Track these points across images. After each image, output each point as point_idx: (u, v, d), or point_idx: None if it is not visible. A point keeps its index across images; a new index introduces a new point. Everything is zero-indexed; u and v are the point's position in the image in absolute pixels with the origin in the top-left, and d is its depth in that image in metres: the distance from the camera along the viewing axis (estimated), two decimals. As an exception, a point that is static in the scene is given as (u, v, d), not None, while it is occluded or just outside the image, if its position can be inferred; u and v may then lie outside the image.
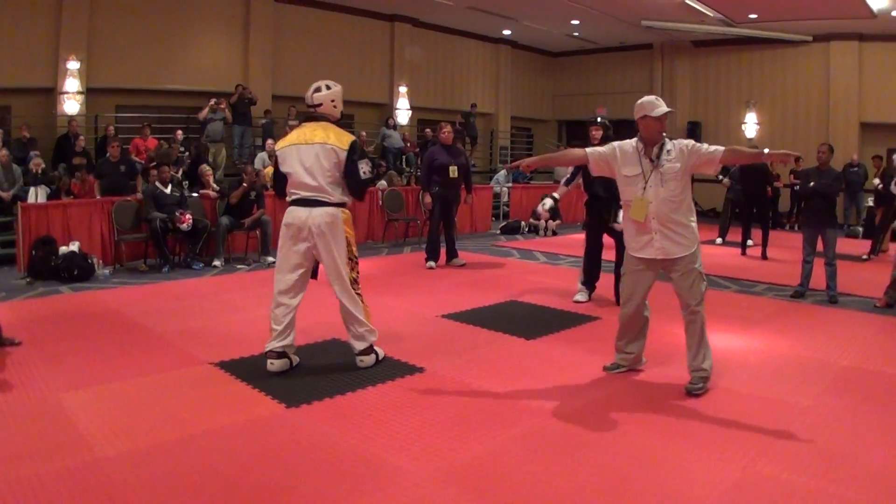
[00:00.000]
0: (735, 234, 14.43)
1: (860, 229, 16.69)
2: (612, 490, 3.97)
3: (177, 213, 10.62)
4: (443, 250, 11.49)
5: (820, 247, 9.41)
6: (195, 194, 12.08)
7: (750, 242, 13.86)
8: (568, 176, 9.04)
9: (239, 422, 4.82)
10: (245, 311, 8.08)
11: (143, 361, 6.11)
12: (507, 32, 23.26)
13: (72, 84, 14.78)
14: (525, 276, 10.88)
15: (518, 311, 8.36)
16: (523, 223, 16.80)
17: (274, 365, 5.80)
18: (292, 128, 15.91)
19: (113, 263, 10.75)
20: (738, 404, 5.40)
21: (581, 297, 8.84)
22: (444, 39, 22.42)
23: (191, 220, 10.68)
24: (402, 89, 20.81)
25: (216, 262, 11.14)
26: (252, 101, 16.33)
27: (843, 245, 10.15)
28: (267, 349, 5.84)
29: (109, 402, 5.15)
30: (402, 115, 20.75)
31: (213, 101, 15.33)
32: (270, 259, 11.39)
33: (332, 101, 6.08)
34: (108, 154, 12.36)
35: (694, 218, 5.59)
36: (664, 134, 5.55)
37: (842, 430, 4.92)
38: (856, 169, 17.24)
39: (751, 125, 21.73)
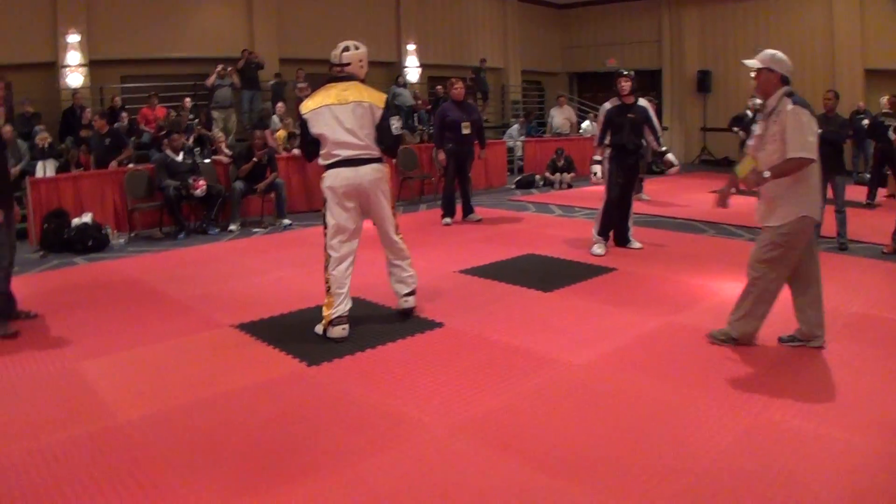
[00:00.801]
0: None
1: (867, 175, 16.54)
2: (626, 438, 4.01)
3: (190, 180, 10.63)
4: (458, 206, 11.48)
5: (829, 194, 9.35)
6: (207, 160, 12.08)
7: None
8: (600, 135, 8.84)
9: (261, 381, 4.88)
10: (263, 273, 8.13)
11: (163, 327, 6.17)
12: (513, -14, 23.06)
13: (73, 57, 14.68)
14: (541, 229, 10.87)
15: (535, 264, 8.37)
16: (538, 177, 16.74)
17: (345, 329, 5.76)
18: (301, 90, 15.96)
19: (128, 232, 10.78)
20: (749, 352, 5.42)
21: (600, 249, 8.74)
22: (452, -5, 22.25)
23: (205, 186, 10.69)
24: (411, 47, 20.65)
25: (232, 227, 11.18)
26: (259, 66, 16.23)
27: (852, 192, 10.08)
28: (334, 315, 5.74)
29: (130, 368, 5.22)
30: (412, 73, 20.60)
31: (220, 68, 15.25)
32: (286, 221, 11.44)
33: (360, 60, 6.06)
34: (94, 127, 12.20)
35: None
36: (777, 94, 5.23)
37: (850, 377, 4.92)
38: (862, 116, 17.05)
39: (759, 73, 21.49)
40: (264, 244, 10.13)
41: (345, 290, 5.79)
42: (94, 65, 15.05)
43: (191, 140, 12.69)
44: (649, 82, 22.80)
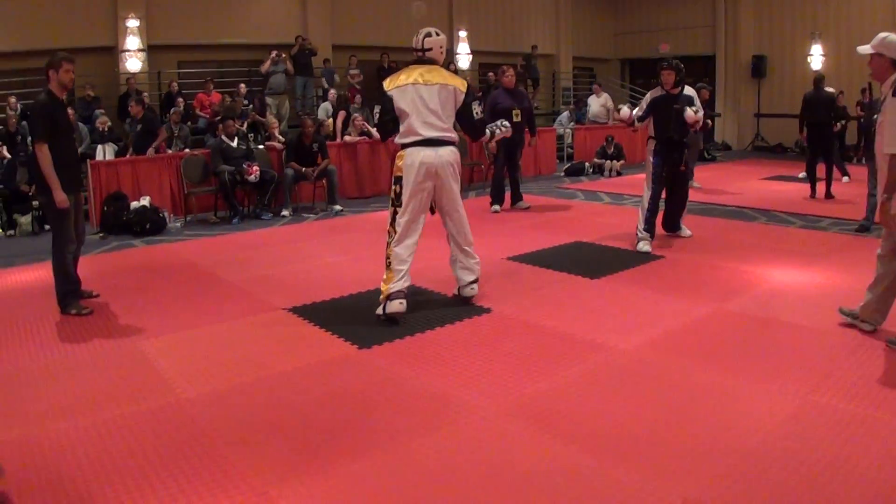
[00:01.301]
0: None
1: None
2: (672, 421, 4.08)
3: (244, 166, 10.82)
4: (507, 194, 11.56)
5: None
6: (261, 146, 12.27)
7: (846, 179, 13.68)
8: (641, 113, 8.62)
9: (313, 362, 5.02)
10: (315, 258, 8.29)
11: (219, 309, 6.35)
12: (566, -28, 22.98)
13: (132, 42, 15.00)
14: (590, 217, 10.91)
15: (582, 252, 8.44)
16: (587, 164, 16.72)
17: (402, 304, 5.87)
18: (353, 77, 16.11)
19: (184, 216, 11.02)
20: (798, 336, 5.47)
21: (646, 246, 8.37)
22: (503, -19, 22.23)
23: (258, 172, 10.87)
24: (462, 34, 20.69)
25: (284, 213, 11.35)
26: (312, 52, 16.38)
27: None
28: (392, 290, 5.85)
29: (188, 347, 5.40)
30: (463, 59, 20.63)
31: (274, 54, 15.42)
32: (337, 208, 11.60)
33: (441, 46, 6.24)
34: (130, 114, 12.28)
35: None
36: (890, 80, 5.03)
37: (897, 361, 4.94)
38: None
39: (816, 57, 21.19)
40: (316, 230, 10.30)
41: (405, 267, 5.91)
42: (152, 49, 15.38)
43: (244, 126, 12.88)
44: (703, 68, 22.63)
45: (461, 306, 6.28)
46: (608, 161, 16.44)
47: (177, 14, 15.69)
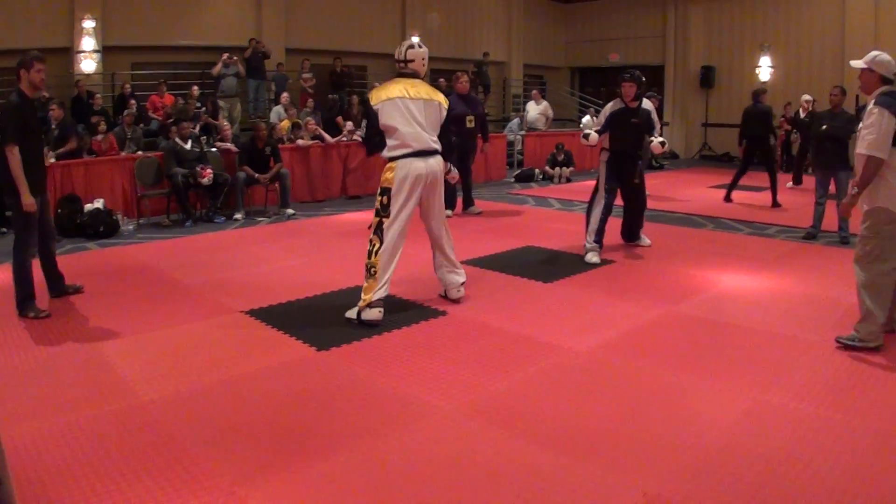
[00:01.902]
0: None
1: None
2: (628, 419, 4.21)
3: (197, 168, 10.78)
4: (459, 199, 11.65)
5: (833, 189, 9.55)
6: (214, 149, 12.23)
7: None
8: (599, 128, 8.51)
9: (273, 365, 5.06)
10: (270, 261, 8.30)
11: (176, 311, 6.35)
12: (518, -20, 23.15)
13: (88, 43, 14.81)
14: (541, 222, 11.05)
15: (535, 256, 8.55)
16: (537, 171, 16.87)
17: (381, 312, 5.92)
18: (306, 81, 16.10)
19: (137, 219, 10.94)
20: (749, 339, 5.64)
21: (595, 258, 8.20)
22: (456, -12, 22.35)
23: (212, 175, 10.83)
24: (415, 39, 20.70)
25: (237, 216, 11.33)
26: (266, 55, 16.33)
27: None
28: (374, 299, 5.90)
29: (148, 350, 5.39)
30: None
31: (225, 56, 15.34)
32: (290, 211, 11.60)
33: (423, 59, 6.34)
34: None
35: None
36: (874, 94, 5.50)
37: (848, 363, 5.15)
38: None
39: (765, 69, 21.58)
40: (269, 233, 10.29)
41: (388, 276, 5.97)
42: (106, 51, 15.20)
43: (197, 128, 12.81)
44: (652, 78, 22.96)
45: (415, 309, 6.35)
46: (558, 168, 16.62)
47: (132, 15, 15.52)
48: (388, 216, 5.99)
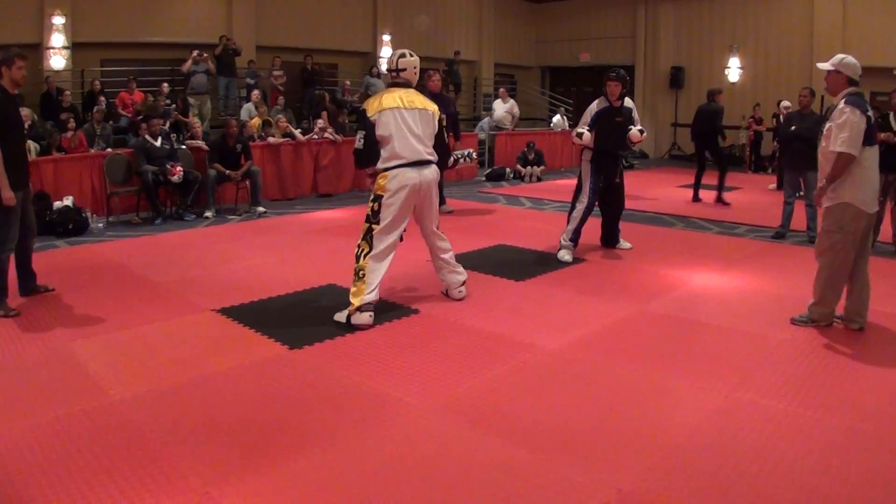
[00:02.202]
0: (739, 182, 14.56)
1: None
2: (602, 417, 4.24)
3: (168, 166, 10.70)
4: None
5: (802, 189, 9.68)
6: (184, 146, 12.14)
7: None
8: (586, 126, 8.34)
9: (245, 363, 5.03)
10: (240, 259, 8.26)
11: (147, 310, 6.29)
12: (490, -21, 23.19)
13: (57, 39, 14.67)
14: (512, 221, 11.08)
15: (506, 255, 8.57)
16: (508, 170, 16.91)
17: (371, 317, 5.88)
18: (276, 78, 16.04)
19: (106, 217, 10.85)
20: (720, 338, 5.72)
21: (568, 256, 8.28)
22: (428, -14, 22.36)
23: (182, 172, 10.76)
24: (386, 37, 20.71)
25: (207, 214, 11.26)
26: (236, 52, 16.23)
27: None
28: (364, 302, 5.86)
29: (119, 348, 5.35)
30: (386, 63, 20.65)
31: (195, 53, 15.24)
32: (261, 209, 11.54)
33: (415, 68, 6.32)
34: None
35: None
36: (841, 94, 5.79)
37: (817, 361, 5.23)
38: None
39: (734, 69, 21.79)
40: (240, 231, 10.24)
41: (378, 280, 5.94)
42: (76, 47, 15.06)
43: (167, 125, 12.72)
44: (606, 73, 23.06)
45: (389, 307, 6.34)
46: (529, 167, 16.67)
47: (102, 11, 15.37)
48: (377, 223, 5.98)
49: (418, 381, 4.72)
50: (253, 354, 5.22)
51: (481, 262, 8.10)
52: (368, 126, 6.00)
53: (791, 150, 9.73)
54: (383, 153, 6.01)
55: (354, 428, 4.03)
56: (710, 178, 13.48)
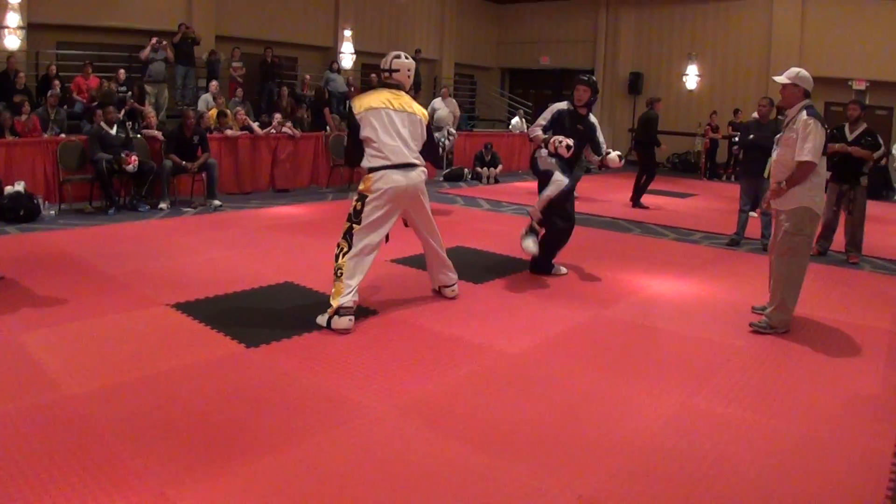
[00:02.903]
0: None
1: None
2: (561, 421, 4.24)
3: (123, 155, 10.54)
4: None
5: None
6: (139, 135, 11.96)
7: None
8: (545, 123, 7.70)
9: (201, 361, 4.96)
10: (196, 253, 8.15)
11: (101, 302, 6.18)
12: (453, -22, 23.17)
13: (12, 18, 14.30)
14: (470, 222, 11.06)
15: (465, 257, 8.52)
16: (466, 170, 16.90)
17: (352, 321, 5.76)
18: (236, 70, 15.87)
19: (58, 204, 10.66)
20: (677, 344, 5.77)
21: (534, 247, 7.59)
22: (391, -17, 22.26)
23: (137, 162, 10.59)
24: (347, 33, 20.61)
25: (162, 205, 11.10)
26: (195, 41, 16.01)
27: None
28: (343, 305, 5.71)
29: (72, 341, 5.24)
30: (347, 59, 20.54)
31: (154, 40, 15.00)
32: (217, 202, 11.42)
33: (409, 70, 6.27)
34: None
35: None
36: (798, 105, 6.04)
37: (772, 368, 5.33)
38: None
39: (692, 77, 22.04)
40: (195, 224, 10.12)
41: (355, 282, 5.82)
42: (32, 28, 14.73)
43: (121, 113, 12.53)
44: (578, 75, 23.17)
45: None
46: (486, 168, 16.68)
47: (61, -8, 15.13)
48: (358, 223, 5.86)
49: (377, 383, 4.68)
50: (210, 352, 5.14)
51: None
52: (353, 125, 5.96)
53: (748, 159, 9.84)
54: (369, 153, 5.92)
55: (312, 430, 3.98)
56: (656, 184, 13.65)
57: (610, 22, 23.80)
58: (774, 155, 6.22)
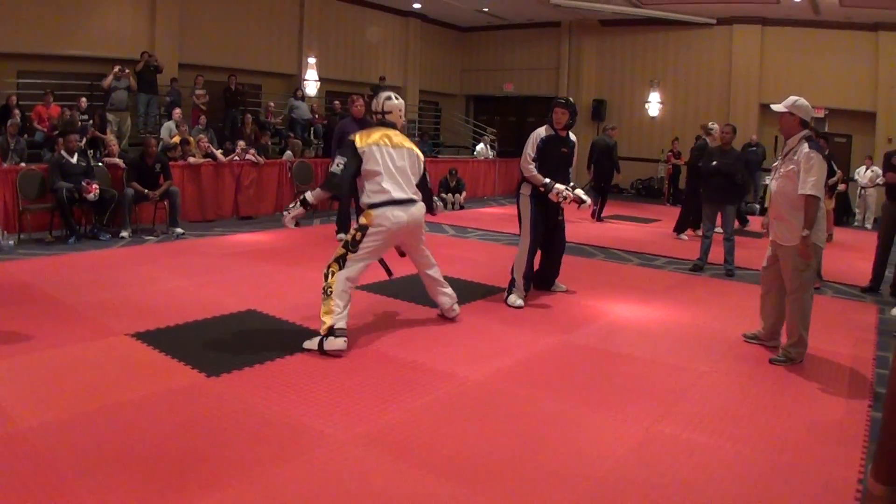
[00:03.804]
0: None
1: (757, 206, 17.32)
2: (524, 449, 4.21)
3: (83, 183, 10.44)
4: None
5: (719, 222, 9.87)
6: (101, 163, 11.86)
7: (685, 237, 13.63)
8: (534, 155, 7.65)
9: (160, 391, 4.88)
10: (157, 282, 8.05)
11: (58, 333, 6.07)
12: (417, 6, 23.16)
13: (-31, 48, 14.29)
14: (435, 248, 10.83)
15: (430, 283, 8.50)
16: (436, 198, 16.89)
17: (346, 342, 5.77)
18: (199, 97, 15.81)
19: (17, 234, 10.52)
20: (641, 370, 5.77)
21: (519, 300, 7.65)
22: (354, 11, 22.20)
23: (98, 190, 10.50)
24: (311, 60, 20.58)
25: (123, 234, 10.99)
26: (158, 69, 15.96)
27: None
28: (336, 326, 5.75)
29: (27, 373, 5.14)
30: (311, 86, 20.50)
31: (116, 69, 14.94)
32: (179, 230, 11.33)
33: (400, 110, 6.45)
34: None
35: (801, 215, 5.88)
36: (797, 136, 6.03)
37: (737, 393, 5.33)
38: (754, 148, 17.71)
39: (654, 104, 22.26)
40: (157, 252, 10.02)
41: (345, 301, 5.87)
42: (-9, 57, 14.63)
43: (83, 142, 12.42)
44: (545, 108, 23.32)
45: (310, 336, 6.15)
46: (451, 194, 16.71)
47: (20, 21, 14.88)
48: (354, 252, 5.94)
49: (339, 411, 4.63)
50: (168, 382, 5.06)
51: (403, 289, 8.02)
52: (354, 157, 6.01)
53: (711, 185, 9.92)
54: (370, 187, 6.03)
55: (273, 460, 3.92)
56: (620, 209, 13.69)
57: (573, 49, 24.01)
58: (773, 186, 6.20)
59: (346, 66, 22.03)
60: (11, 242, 10.11)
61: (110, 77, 14.82)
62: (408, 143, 6.33)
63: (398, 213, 6.01)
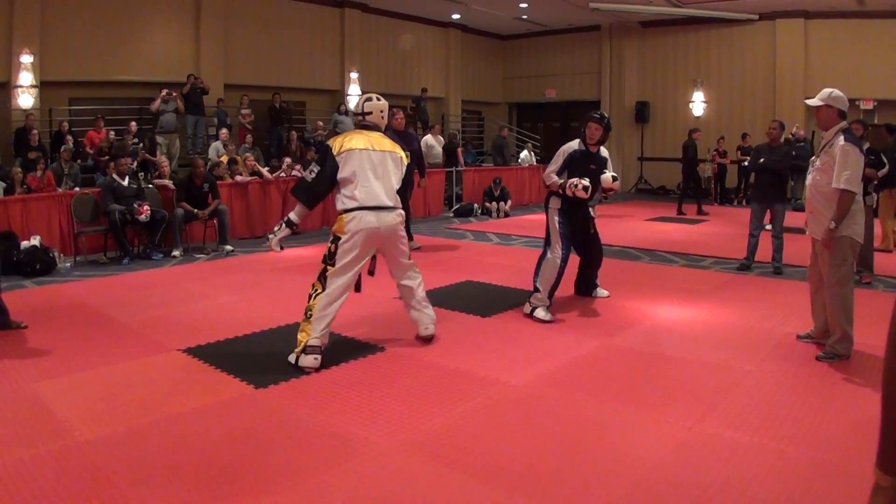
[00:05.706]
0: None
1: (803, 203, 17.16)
2: (566, 453, 4.27)
3: (135, 205, 10.70)
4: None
5: (767, 220, 9.79)
6: (151, 185, 12.14)
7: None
8: (556, 168, 7.55)
9: (210, 403, 5.03)
10: (207, 299, 8.26)
11: (113, 350, 6.27)
12: (456, 17, 23.33)
13: (26, 78, 14.65)
14: (479, 257, 11.13)
15: (473, 291, 8.62)
16: (476, 206, 17.00)
17: (317, 360, 5.76)
18: (244, 117, 16.09)
19: (73, 256, 10.81)
20: (684, 370, 5.77)
21: (546, 315, 7.34)
22: (394, 24, 22.42)
23: (149, 212, 10.77)
24: (354, 75, 20.82)
25: (175, 253, 11.25)
26: (204, 91, 16.28)
27: (789, 218, 10.46)
28: (309, 344, 5.77)
29: (84, 389, 5.33)
30: (354, 101, 20.71)
31: (164, 92, 15.29)
32: (228, 248, 11.55)
33: (381, 111, 6.32)
34: None
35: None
36: (834, 128, 5.97)
37: (782, 392, 5.29)
38: (801, 144, 17.56)
39: (698, 104, 22.13)
40: (207, 270, 10.24)
41: (326, 322, 5.83)
42: (44, 86, 15.07)
43: (134, 164, 12.73)
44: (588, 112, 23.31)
45: (353, 346, 6.36)
46: (495, 202, 16.79)
47: (70, 50, 15.37)
48: (332, 265, 5.91)
49: (383, 419, 4.74)
50: (218, 394, 5.21)
51: (448, 298, 8.13)
52: (329, 163, 5.93)
53: (759, 183, 9.85)
54: (344, 193, 5.94)
55: (318, 468, 4.04)
56: (665, 210, 13.61)
57: (614, 52, 23.95)
58: (809, 179, 6.15)
59: (388, 79, 22.22)
60: (68, 265, 10.41)
61: (158, 100, 15.19)
62: (389, 147, 6.19)
63: (369, 219, 5.87)
